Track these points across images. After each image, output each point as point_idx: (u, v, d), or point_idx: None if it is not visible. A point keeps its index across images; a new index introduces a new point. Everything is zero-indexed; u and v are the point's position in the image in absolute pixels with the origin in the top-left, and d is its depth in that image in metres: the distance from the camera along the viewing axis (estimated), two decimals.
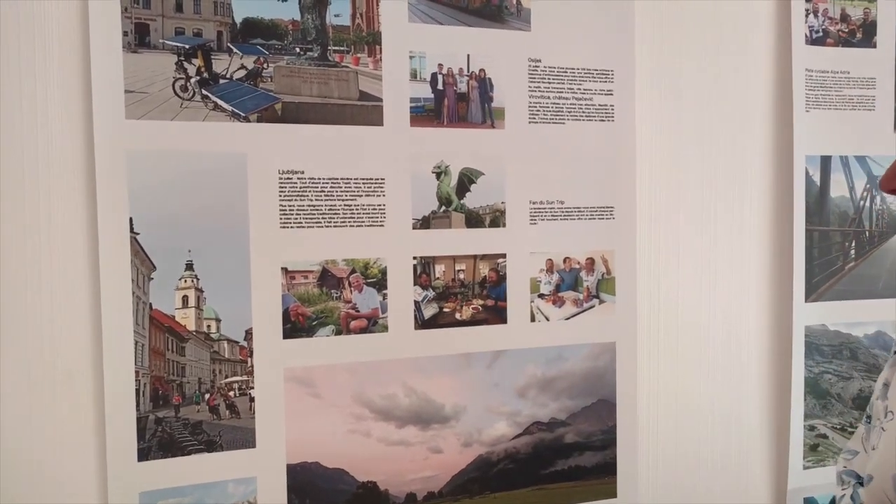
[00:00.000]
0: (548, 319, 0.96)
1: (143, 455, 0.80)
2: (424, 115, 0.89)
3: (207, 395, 0.83)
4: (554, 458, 0.98)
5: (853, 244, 1.11)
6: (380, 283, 0.88)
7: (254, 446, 0.84)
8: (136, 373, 0.79)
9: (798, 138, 1.06)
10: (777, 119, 1.07)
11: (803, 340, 1.07)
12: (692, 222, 1.04)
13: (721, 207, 1.05)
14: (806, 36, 1.06)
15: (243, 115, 0.82)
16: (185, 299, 0.82)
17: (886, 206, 1.12)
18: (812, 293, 1.08)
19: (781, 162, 1.07)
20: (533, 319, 0.95)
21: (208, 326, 0.83)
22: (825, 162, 1.08)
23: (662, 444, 1.04)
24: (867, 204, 1.11)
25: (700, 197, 1.04)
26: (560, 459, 0.98)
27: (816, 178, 1.08)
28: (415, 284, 0.90)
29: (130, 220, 0.78)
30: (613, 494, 1.00)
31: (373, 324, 0.88)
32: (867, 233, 1.11)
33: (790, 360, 1.07)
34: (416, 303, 0.90)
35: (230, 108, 0.82)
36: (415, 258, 0.90)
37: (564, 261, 0.97)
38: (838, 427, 1.11)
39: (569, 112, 0.96)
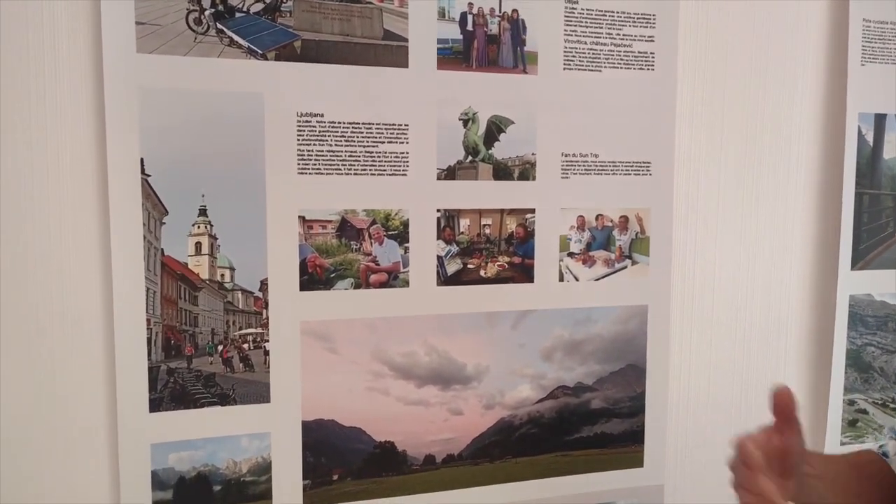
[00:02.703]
0: (577, 279, 0.91)
1: (155, 406, 0.77)
2: (452, 57, 0.84)
3: (221, 347, 0.80)
4: (579, 424, 0.94)
5: None
6: (401, 236, 0.84)
7: (268, 401, 0.81)
8: (148, 321, 0.76)
9: (852, 94, 0.99)
10: (830, 72, 1.00)
11: (847, 310, 1.02)
12: (734, 181, 0.98)
13: (765, 166, 0.99)
14: None
15: (260, 52, 0.77)
16: (198, 246, 0.78)
17: None
18: (859, 260, 1.01)
19: (832, 119, 1.00)
20: (561, 279, 0.91)
21: (222, 275, 0.80)
22: (879, 120, 1.01)
23: (693, 413, 0.99)
24: None
25: (743, 154, 0.98)
26: (585, 426, 0.94)
27: (869, 137, 1.01)
28: (438, 238, 0.85)
29: (142, 160, 0.75)
30: (640, 464, 0.96)
31: (393, 278, 0.84)
32: None
33: (832, 330, 1.01)
34: (439, 258, 0.86)
35: (246, 45, 0.77)
36: (438, 210, 0.85)
37: (597, 218, 0.91)
38: (879, 402, 1.05)
39: (606, 59, 0.89)
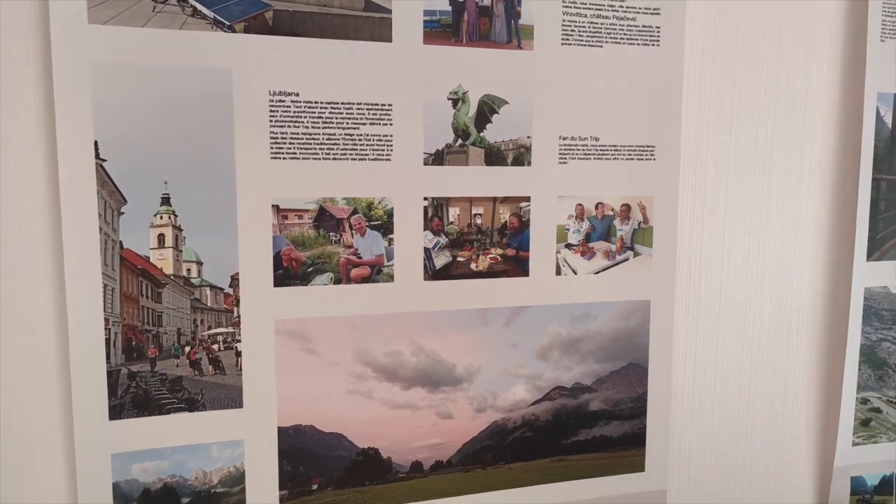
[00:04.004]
0: (575, 273, 0.85)
1: (115, 413, 0.71)
2: (440, 31, 0.76)
3: (188, 348, 0.73)
4: (577, 427, 0.88)
5: None
6: (385, 227, 0.77)
7: (241, 406, 0.75)
8: (106, 321, 0.70)
9: (870, 72, 0.92)
10: (847, 49, 0.93)
11: (862, 303, 0.96)
12: (743, 166, 0.91)
13: (777, 150, 0.92)
14: None
15: (228, 23, 0.70)
16: (161, 238, 0.71)
17: None
18: (875, 251, 0.95)
19: (849, 99, 0.93)
20: (558, 272, 0.84)
21: (188, 270, 0.73)
22: None
23: (698, 414, 0.93)
24: None
25: (754, 137, 0.91)
26: (583, 429, 0.88)
27: (888, 119, 0.94)
28: (425, 229, 0.79)
29: (96, 143, 0.67)
30: (641, 468, 0.91)
31: (377, 272, 0.78)
32: None
33: (846, 325, 0.96)
34: (427, 250, 0.79)
35: (212, 15, 0.70)
36: (426, 199, 0.78)
37: (597, 206, 0.85)
38: (894, 401, 1.00)
39: (608, 33, 0.82)
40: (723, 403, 0.94)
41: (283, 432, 0.76)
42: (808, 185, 0.94)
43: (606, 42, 0.82)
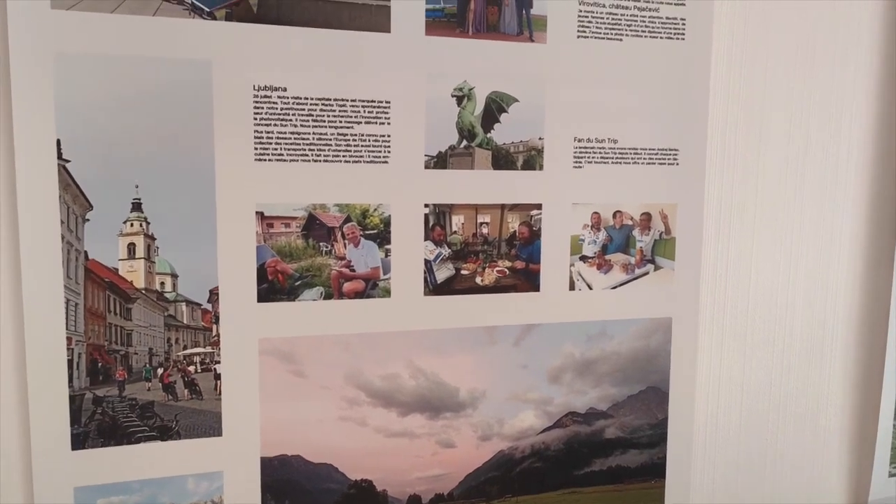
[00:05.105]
0: (590, 287, 0.78)
1: (79, 442, 0.64)
2: (444, 20, 0.70)
3: (160, 370, 0.66)
4: (591, 457, 0.81)
5: None
6: (381, 236, 0.70)
7: (220, 434, 0.68)
8: (69, 340, 0.63)
9: None
10: (888, 44, 0.85)
11: None
12: (775, 172, 0.84)
13: (811, 156, 0.85)
14: None
15: (207, 9, 0.63)
16: (131, 248, 0.64)
17: None
18: None
19: (889, 101, 0.86)
20: (572, 287, 0.77)
21: (162, 284, 0.66)
22: None
23: (722, 442, 0.86)
24: None
25: (787, 140, 0.84)
26: (598, 458, 0.81)
27: None
28: (426, 239, 0.72)
29: (58, 142, 0.61)
30: (661, 501, 0.83)
31: (372, 287, 0.71)
32: None
33: (884, 346, 0.88)
34: (427, 262, 0.72)
35: (189, 0, 0.63)
36: (426, 206, 0.71)
37: (615, 215, 0.78)
38: None
39: (628, 25, 0.75)
40: (749, 431, 0.87)
41: (266, 463, 0.69)
42: (843, 193, 0.87)
43: (626, 35, 0.75)
